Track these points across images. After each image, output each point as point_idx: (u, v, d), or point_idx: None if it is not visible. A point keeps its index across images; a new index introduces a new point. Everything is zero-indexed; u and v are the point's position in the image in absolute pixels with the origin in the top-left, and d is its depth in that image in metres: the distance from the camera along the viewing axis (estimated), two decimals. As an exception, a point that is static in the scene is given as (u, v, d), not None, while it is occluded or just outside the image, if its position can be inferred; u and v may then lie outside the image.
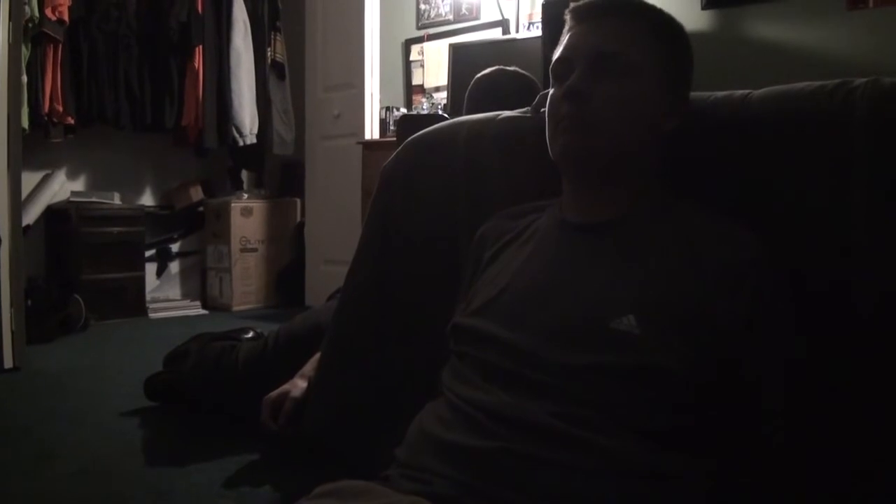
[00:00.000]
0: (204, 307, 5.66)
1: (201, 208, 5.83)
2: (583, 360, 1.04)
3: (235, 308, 5.55)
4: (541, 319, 1.11)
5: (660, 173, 1.22)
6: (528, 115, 1.52)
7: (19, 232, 3.61)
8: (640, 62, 1.16)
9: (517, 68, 2.76)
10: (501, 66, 2.79)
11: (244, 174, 6.15)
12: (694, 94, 1.30)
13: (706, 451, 1.02)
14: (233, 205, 5.59)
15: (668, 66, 1.19)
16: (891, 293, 1.09)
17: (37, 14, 4.44)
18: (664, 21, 1.23)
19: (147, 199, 5.77)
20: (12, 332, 3.47)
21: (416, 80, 5.41)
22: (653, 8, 1.24)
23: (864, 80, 1.16)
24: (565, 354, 1.05)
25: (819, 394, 1.07)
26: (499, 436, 1.02)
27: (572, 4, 1.25)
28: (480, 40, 4.74)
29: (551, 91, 1.23)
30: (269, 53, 5.84)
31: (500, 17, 4.87)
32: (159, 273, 5.68)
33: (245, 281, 5.64)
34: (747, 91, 1.28)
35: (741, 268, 1.06)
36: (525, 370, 1.07)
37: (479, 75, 2.81)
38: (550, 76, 1.24)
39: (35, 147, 4.73)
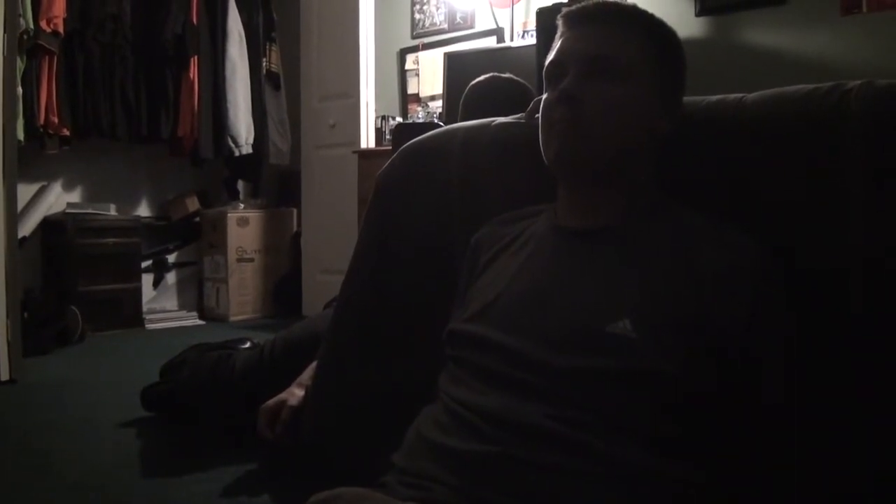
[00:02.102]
0: (201, 318, 5.64)
1: (198, 219, 5.81)
2: (579, 364, 1.04)
3: (232, 318, 5.53)
4: (537, 324, 1.11)
5: (655, 177, 1.23)
6: (523, 121, 1.52)
7: (15, 244, 3.61)
8: (632, 66, 1.17)
9: (511, 75, 2.76)
10: (496, 73, 2.79)
11: (240, 184, 6.14)
12: (687, 99, 1.30)
13: (703, 455, 1.02)
14: (229, 215, 5.59)
15: (660, 69, 1.20)
16: (888, 291, 1.09)
17: (32, 26, 4.44)
18: (656, 26, 1.24)
19: (143, 210, 5.76)
20: (8, 344, 3.46)
21: (411, 89, 5.42)
22: (645, 13, 1.24)
23: (858, 82, 1.17)
24: (562, 358, 1.05)
25: (818, 393, 1.07)
26: (496, 440, 1.02)
27: (564, 9, 1.25)
28: (475, 49, 4.75)
29: (545, 95, 1.24)
30: (264, 64, 5.84)
31: (494, 26, 4.89)
32: (156, 284, 5.67)
33: (242, 291, 5.63)
34: (741, 94, 1.28)
35: (738, 271, 1.06)
36: (522, 374, 1.07)
37: (473, 82, 2.81)
38: (544, 80, 1.24)
39: (31, 159, 4.73)
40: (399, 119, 5.10)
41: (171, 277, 5.77)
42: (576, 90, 1.16)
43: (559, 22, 1.25)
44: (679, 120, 1.24)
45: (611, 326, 1.04)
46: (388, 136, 4.90)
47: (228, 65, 5.51)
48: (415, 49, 5.39)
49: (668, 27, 1.25)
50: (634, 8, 1.25)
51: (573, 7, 1.23)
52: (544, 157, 1.22)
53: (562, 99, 1.17)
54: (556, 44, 1.24)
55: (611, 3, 1.23)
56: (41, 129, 4.68)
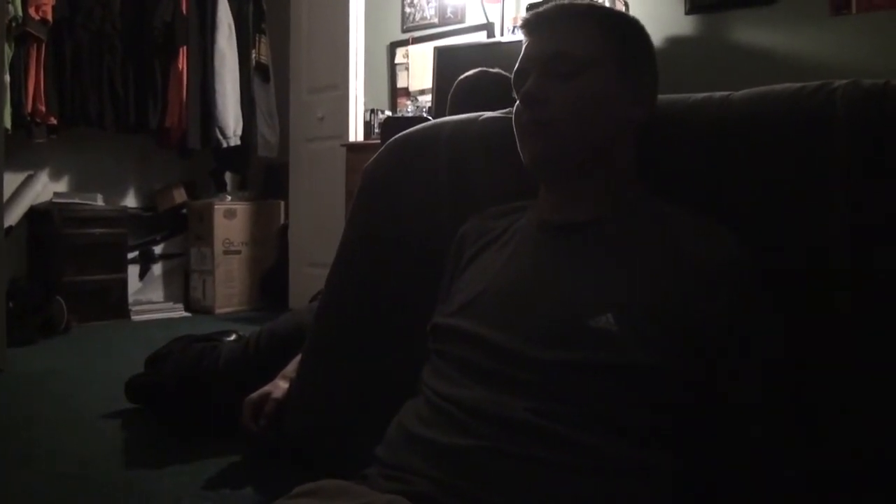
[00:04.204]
0: (187, 310, 5.64)
1: (185, 210, 5.81)
2: (561, 358, 1.04)
3: (218, 310, 5.53)
4: (520, 318, 1.12)
5: (637, 170, 1.23)
6: (509, 115, 1.52)
7: (1, 233, 3.60)
8: (591, 58, 1.17)
9: (500, 70, 2.76)
10: (484, 68, 2.79)
11: (228, 176, 6.13)
12: (673, 96, 1.30)
13: (686, 449, 1.03)
14: (216, 207, 5.58)
15: (621, 56, 1.19)
16: (869, 290, 1.09)
17: (20, 13, 4.43)
18: (611, 15, 1.26)
19: (130, 201, 5.76)
20: (-7, 334, 3.45)
21: (400, 83, 5.41)
22: (600, 7, 1.27)
23: (844, 81, 1.17)
24: (544, 352, 1.06)
25: (801, 390, 1.08)
26: (477, 432, 1.02)
27: (521, 19, 1.26)
28: (465, 43, 4.75)
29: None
30: (253, 55, 5.83)
31: (485, 21, 4.89)
32: (142, 275, 5.66)
33: (228, 283, 5.63)
34: (727, 92, 1.28)
35: (721, 266, 1.06)
36: (504, 367, 1.08)
37: (461, 77, 2.81)
38: (514, 91, 1.25)
39: (18, 147, 4.72)
40: (388, 113, 5.09)
41: (157, 269, 5.76)
42: (537, 91, 1.16)
43: (521, 32, 1.26)
44: (654, 106, 1.25)
45: (593, 321, 1.04)
46: (376, 130, 4.89)
47: (217, 56, 5.50)
48: (405, 43, 5.38)
49: (627, 15, 1.27)
50: (589, 5, 1.26)
51: (529, 14, 1.25)
52: (523, 161, 1.23)
53: (526, 101, 1.18)
54: (521, 53, 1.25)
55: (564, 3, 1.24)
56: (28, 118, 4.68)
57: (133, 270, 5.52)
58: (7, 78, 4.22)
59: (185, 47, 5.34)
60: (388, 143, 1.66)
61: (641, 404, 1.02)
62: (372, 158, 1.67)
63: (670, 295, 1.05)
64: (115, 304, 5.15)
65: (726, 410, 1.04)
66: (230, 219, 5.63)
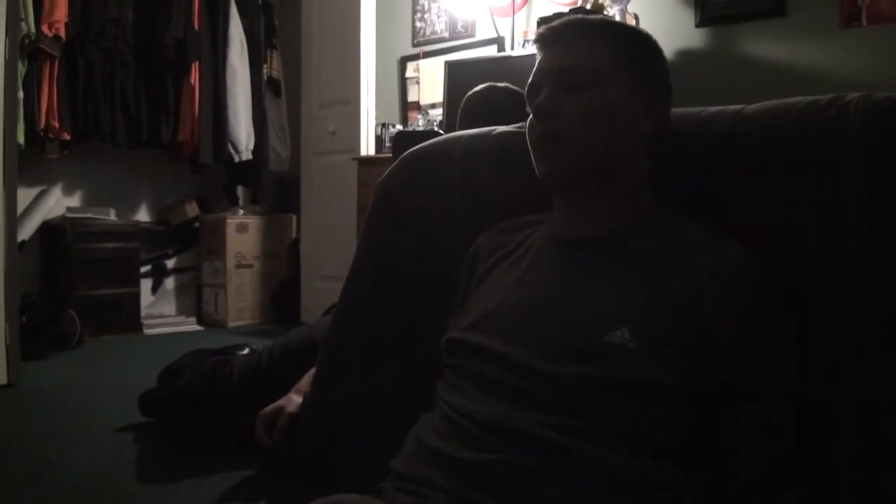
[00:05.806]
0: (199, 323, 5.64)
1: (197, 224, 5.82)
2: (577, 373, 1.04)
3: (231, 324, 5.53)
4: (535, 333, 1.12)
5: (650, 184, 1.23)
6: (522, 130, 1.52)
7: (14, 247, 3.61)
8: (602, 71, 1.18)
9: (508, 84, 2.75)
10: (492, 83, 2.78)
11: (240, 190, 6.15)
12: (686, 110, 1.31)
13: (700, 464, 1.02)
14: (228, 221, 5.59)
15: (633, 68, 1.20)
16: (882, 308, 1.09)
17: (33, 30, 4.45)
18: (623, 29, 1.27)
19: (142, 215, 5.77)
20: (7, 348, 3.46)
21: (411, 97, 5.43)
22: (612, 22, 1.28)
23: (857, 94, 1.17)
24: (559, 367, 1.06)
25: (814, 406, 1.08)
26: (492, 447, 1.03)
27: (535, 33, 1.27)
28: (476, 58, 4.76)
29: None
30: (265, 70, 5.86)
31: (495, 35, 4.90)
32: (154, 289, 5.67)
33: (240, 297, 5.63)
34: (740, 106, 1.28)
35: (735, 282, 1.06)
36: (519, 382, 1.08)
37: (470, 93, 2.81)
38: (527, 105, 1.26)
39: (31, 163, 4.74)
40: (399, 127, 5.11)
41: (169, 283, 5.77)
42: (550, 104, 1.17)
43: (535, 46, 1.27)
44: (667, 119, 1.25)
45: (609, 336, 1.05)
46: (388, 144, 4.91)
47: (229, 71, 5.52)
48: (415, 57, 5.41)
49: (640, 30, 1.28)
50: (601, 19, 1.28)
51: (542, 28, 1.25)
52: (537, 175, 1.23)
53: (538, 114, 1.19)
54: (535, 67, 1.26)
55: (578, 18, 1.25)
56: (41, 133, 4.70)
57: (145, 284, 5.53)
58: (20, 94, 4.25)
59: (197, 63, 5.36)
60: (401, 157, 1.67)
61: (656, 420, 1.02)
62: (385, 173, 1.67)
63: (685, 309, 1.05)
64: (127, 317, 5.16)
65: (739, 425, 1.04)
66: (242, 233, 5.64)
